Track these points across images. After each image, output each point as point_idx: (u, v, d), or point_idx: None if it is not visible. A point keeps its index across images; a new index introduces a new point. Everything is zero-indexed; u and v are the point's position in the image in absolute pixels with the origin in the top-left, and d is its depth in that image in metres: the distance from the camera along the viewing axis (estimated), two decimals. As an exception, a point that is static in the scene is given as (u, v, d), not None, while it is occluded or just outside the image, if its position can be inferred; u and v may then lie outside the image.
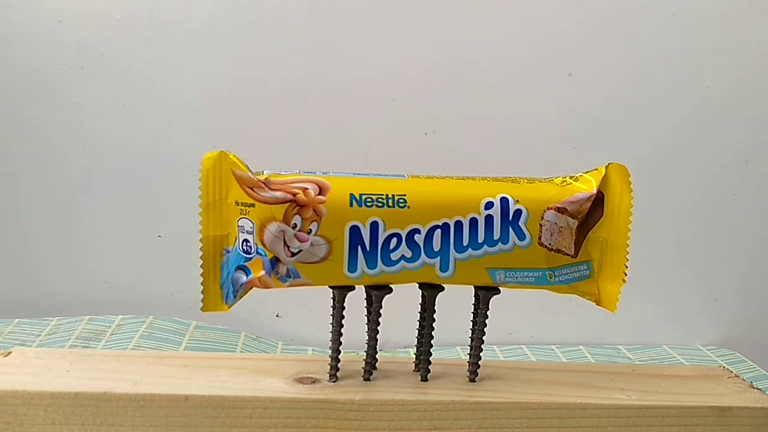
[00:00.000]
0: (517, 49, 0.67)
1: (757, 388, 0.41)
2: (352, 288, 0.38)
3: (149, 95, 0.67)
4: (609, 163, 0.39)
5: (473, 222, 0.36)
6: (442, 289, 0.39)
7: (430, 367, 0.40)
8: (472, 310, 0.41)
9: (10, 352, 0.39)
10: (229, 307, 0.37)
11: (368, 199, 0.36)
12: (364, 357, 0.39)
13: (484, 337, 0.40)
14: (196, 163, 0.37)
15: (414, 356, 0.42)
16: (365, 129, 0.68)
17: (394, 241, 0.36)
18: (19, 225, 0.69)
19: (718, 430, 0.38)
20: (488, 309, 0.39)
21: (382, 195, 0.36)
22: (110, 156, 0.68)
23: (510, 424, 0.37)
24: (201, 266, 0.37)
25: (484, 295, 0.39)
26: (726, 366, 0.50)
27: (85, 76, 0.67)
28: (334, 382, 0.38)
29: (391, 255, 0.36)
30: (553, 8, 0.67)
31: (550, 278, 0.38)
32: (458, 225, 0.36)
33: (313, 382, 0.38)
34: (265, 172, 0.37)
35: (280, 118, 0.67)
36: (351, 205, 0.36)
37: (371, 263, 0.36)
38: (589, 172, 0.40)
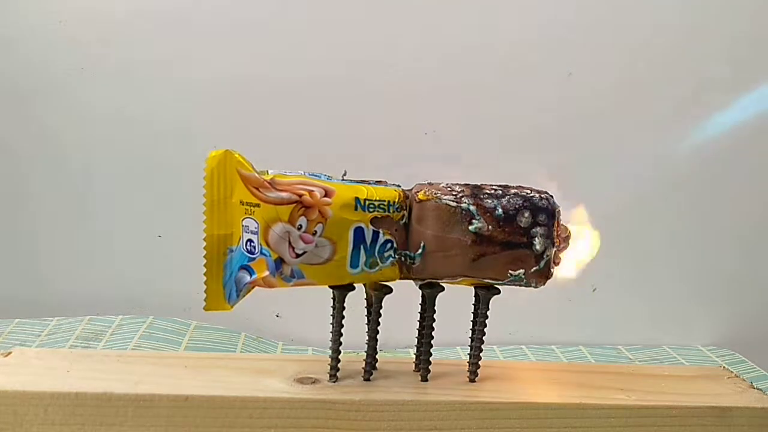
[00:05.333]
0: (518, 48, 0.67)
1: (757, 388, 0.41)
2: (352, 288, 0.38)
3: (149, 95, 0.67)
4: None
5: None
6: (443, 289, 0.39)
7: (430, 367, 0.40)
8: (472, 310, 0.41)
9: (10, 352, 0.39)
10: (232, 307, 0.37)
11: (371, 205, 0.36)
12: (364, 357, 0.39)
13: (484, 337, 0.40)
14: (197, 163, 0.37)
15: (414, 356, 0.42)
16: (365, 129, 0.68)
17: (388, 245, 0.37)
18: (20, 225, 0.69)
19: (718, 430, 0.38)
20: (488, 309, 0.39)
21: (384, 201, 0.36)
22: (110, 156, 0.68)
23: (510, 424, 0.37)
24: (204, 265, 0.37)
25: (484, 295, 0.39)
26: (726, 366, 0.50)
27: (85, 76, 0.67)
28: (334, 382, 0.38)
29: (385, 253, 0.37)
30: (554, 8, 0.67)
31: None
32: None
33: (313, 382, 0.38)
34: (270, 171, 0.37)
35: (280, 117, 0.67)
36: (356, 209, 0.36)
37: (372, 263, 0.36)
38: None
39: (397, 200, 0.37)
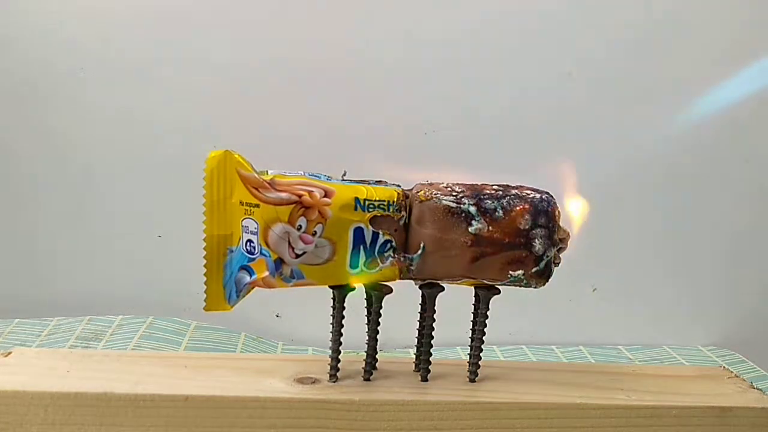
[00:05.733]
0: (518, 48, 0.67)
1: (757, 388, 0.41)
2: (353, 288, 0.38)
3: (149, 95, 0.67)
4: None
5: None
6: (443, 289, 0.39)
7: (430, 367, 0.40)
8: (472, 310, 0.41)
9: (10, 352, 0.39)
10: (232, 307, 0.37)
11: (371, 205, 0.36)
12: (364, 357, 0.39)
13: (484, 337, 0.40)
14: (197, 163, 0.37)
15: (414, 356, 0.42)
16: (365, 129, 0.68)
17: (388, 245, 0.37)
18: (20, 225, 0.69)
19: (718, 430, 0.38)
20: (488, 309, 0.39)
21: (384, 201, 0.36)
22: (110, 156, 0.68)
23: (510, 424, 0.37)
24: (204, 265, 0.37)
25: (484, 295, 0.39)
26: (726, 366, 0.50)
27: (85, 76, 0.67)
28: (334, 382, 0.38)
29: (384, 253, 0.37)
30: (554, 8, 0.67)
31: None
32: None
33: (313, 382, 0.38)
34: (269, 171, 0.37)
35: (280, 117, 0.67)
36: (355, 209, 0.36)
37: (371, 263, 0.36)
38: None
39: (396, 200, 0.37)
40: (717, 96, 0.68)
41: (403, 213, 0.37)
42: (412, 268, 0.37)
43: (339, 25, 0.66)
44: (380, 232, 0.36)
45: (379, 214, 0.36)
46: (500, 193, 0.37)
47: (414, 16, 0.67)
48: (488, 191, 0.37)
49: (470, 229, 0.37)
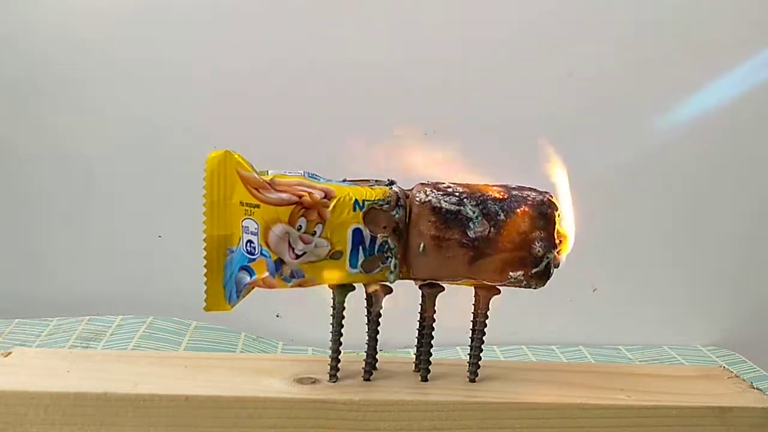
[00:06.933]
0: (518, 48, 0.67)
1: (757, 388, 0.41)
2: (353, 288, 0.38)
3: (150, 95, 0.67)
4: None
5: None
6: (443, 289, 0.39)
7: (430, 367, 0.40)
8: (472, 310, 0.41)
9: (10, 352, 0.39)
10: (232, 307, 0.37)
11: (370, 205, 0.36)
12: (364, 357, 0.39)
13: (484, 337, 0.40)
14: (197, 163, 0.37)
15: (414, 356, 0.42)
16: (365, 129, 0.68)
17: (386, 246, 0.37)
18: (20, 225, 0.69)
19: (718, 430, 0.38)
20: (488, 309, 0.39)
21: (381, 200, 0.36)
22: (111, 156, 0.68)
23: (510, 424, 0.37)
24: (204, 266, 0.37)
25: (484, 295, 0.39)
26: (726, 366, 0.50)
27: (86, 76, 0.67)
28: (334, 382, 0.38)
29: (384, 254, 0.37)
30: (554, 7, 0.67)
31: None
32: None
33: (313, 382, 0.38)
34: (269, 171, 0.37)
35: (280, 117, 0.67)
36: (354, 209, 0.36)
37: (371, 264, 0.37)
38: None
39: (387, 196, 0.37)
40: (717, 95, 0.68)
41: (402, 212, 0.37)
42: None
43: (340, 25, 0.67)
44: (378, 236, 0.36)
45: (376, 208, 0.36)
46: (501, 194, 0.37)
47: (414, 16, 0.67)
48: (489, 192, 0.37)
49: (470, 229, 0.37)
